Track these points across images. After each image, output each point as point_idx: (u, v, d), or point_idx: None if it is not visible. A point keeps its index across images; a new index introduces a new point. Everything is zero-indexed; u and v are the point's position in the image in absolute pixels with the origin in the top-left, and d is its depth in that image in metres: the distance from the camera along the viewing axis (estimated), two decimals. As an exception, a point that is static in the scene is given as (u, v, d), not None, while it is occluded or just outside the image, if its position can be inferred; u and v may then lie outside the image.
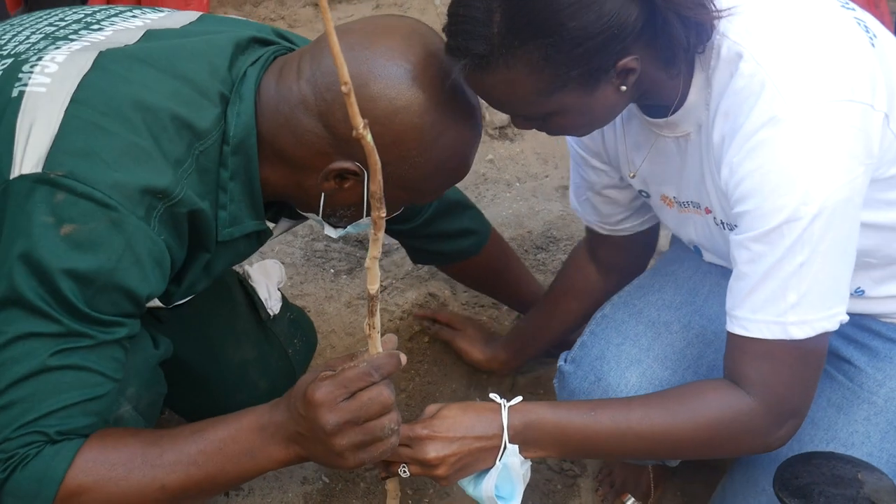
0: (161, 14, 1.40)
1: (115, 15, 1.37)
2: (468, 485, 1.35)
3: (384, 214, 1.02)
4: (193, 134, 1.21)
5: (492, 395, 1.35)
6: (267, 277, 1.80)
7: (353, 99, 0.91)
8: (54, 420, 1.15)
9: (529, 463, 1.36)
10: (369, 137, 0.94)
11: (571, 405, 1.38)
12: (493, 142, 2.70)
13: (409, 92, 1.21)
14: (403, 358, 1.19)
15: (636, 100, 1.37)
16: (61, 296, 1.12)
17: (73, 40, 1.28)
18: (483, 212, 2.52)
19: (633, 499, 1.82)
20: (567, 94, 1.25)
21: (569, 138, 1.64)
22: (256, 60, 1.29)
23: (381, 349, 1.17)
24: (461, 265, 1.93)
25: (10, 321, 1.13)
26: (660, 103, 1.38)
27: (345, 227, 1.36)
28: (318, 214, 1.32)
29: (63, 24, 1.33)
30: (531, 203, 2.54)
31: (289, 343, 1.88)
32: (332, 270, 2.31)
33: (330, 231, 1.36)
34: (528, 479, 1.36)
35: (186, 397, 1.50)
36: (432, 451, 1.28)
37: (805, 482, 1.37)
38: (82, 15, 1.36)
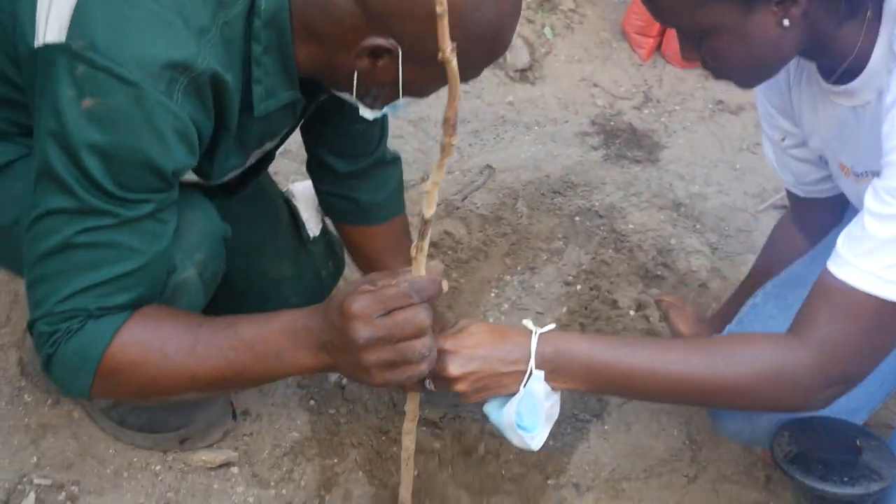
0: None
1: None
2: (492, 411, 1.31)
3: (455, 141, 1.00)
4: (218, 2, 1.18)
5: (524, 322, 1.30)
6: (309, 199, 1.80)
7: (445, 21, 0.89)
8: (90, 298, 1.17)
9: (557, 399, 1.31)
10: (455, 63, 0.92)
11: (607, 339, 1.34)
12: (514, 84, 2.68)
13: None
14: (445, 285, 1.18)
15: (807, 54, 1.31)
16: (86, 172, 1.13)
17: None
18: (500, 154, 2.53)
19: None
20: (721, 10, 1.21)
21: (758, 93, 1.58)
22: None
23: (424, 273, 1.17)
24: (362, 229, 1.82)
25: (44, 194, 1.16)
26: (835, 63, 1.31)
27: (381, 109, 1.32)
28: (351, 94, 1.29)
29: None
30: (549, 147, 2.54)
31: (322, 265, 1.89)
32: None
33: (366, 112, 1.33)
34: (554, 418, 1.33)
35: (218, 306, 1.52)
36: (453, 366, 1.25)
37: (803, 448, 1.38)
38: None
